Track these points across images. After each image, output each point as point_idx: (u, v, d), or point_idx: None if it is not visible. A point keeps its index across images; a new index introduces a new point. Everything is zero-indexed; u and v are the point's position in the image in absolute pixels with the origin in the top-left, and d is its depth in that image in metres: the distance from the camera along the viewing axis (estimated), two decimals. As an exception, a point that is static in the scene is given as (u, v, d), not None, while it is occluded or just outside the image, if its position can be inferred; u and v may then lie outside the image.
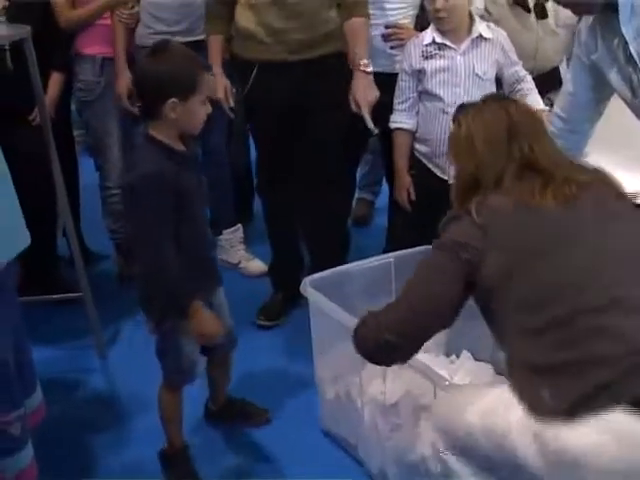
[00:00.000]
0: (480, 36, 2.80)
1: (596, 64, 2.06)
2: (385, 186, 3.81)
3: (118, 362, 3.02)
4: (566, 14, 3.02)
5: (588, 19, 2.08)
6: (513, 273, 1.62)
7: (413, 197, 2.92)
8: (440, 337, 2.52)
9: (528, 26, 3.03)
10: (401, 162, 2.92)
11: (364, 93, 2.82)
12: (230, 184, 3.64)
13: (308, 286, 2.36)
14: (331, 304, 2.27)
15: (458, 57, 2.79)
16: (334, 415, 2.46)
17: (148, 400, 2.68)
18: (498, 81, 2.89)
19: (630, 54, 1.87)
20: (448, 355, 2.63)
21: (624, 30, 1.86)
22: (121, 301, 3.42)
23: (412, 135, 2.91)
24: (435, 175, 2.88)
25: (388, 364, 1.92)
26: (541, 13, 3.04)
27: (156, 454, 2.38)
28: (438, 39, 2.80)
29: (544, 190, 1.66)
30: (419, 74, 2.84)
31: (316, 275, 2.43)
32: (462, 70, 2.79)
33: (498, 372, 2.42)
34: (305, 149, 3.04)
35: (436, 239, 1.78)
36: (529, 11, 3.02)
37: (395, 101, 2.90)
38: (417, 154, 2.93)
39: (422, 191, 2.91)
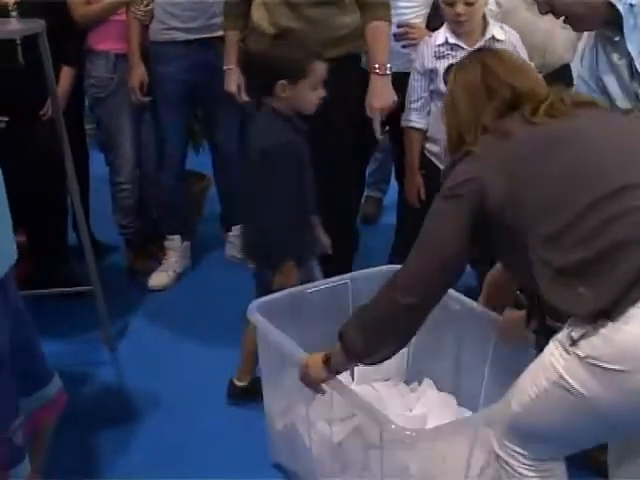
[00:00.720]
0: (493, 37, 2.79)
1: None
2: (393, 184, 3.82)
3: (127, 355, 3.06)
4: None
5: (589, 40, 2.06)
6: (520, 187, 1.58)
7: (423, 196, 2.92)
8: (401, 363, 2.54)
9: (538, 16, 2.99)
10: (412, 161, 2.92)
11: (378, 97, 2.81)
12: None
13: (255, 311, 2.26)
14: (278, 332, 2.17)
15: None
16: (284, 447, 2.38)
17: (157, 393, 2.73)
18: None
19: (635, 70, 1.84)
20: (409, 383, 2.55)
21: (629, 47, 1.83)
22: (130, 295, 3.47)
23: (423, 134, 2.91)
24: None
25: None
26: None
27: (167, 448, 2.45)
28: (451, 40, 2.80)
29: (535, 112, 1.63)
30: (431, 74, 2.83)
31: (265, 298, 2.34)
32: None
33: (460, 403, 2.37)
34: (314, 149, 3.04)
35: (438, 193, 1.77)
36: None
37: (407, 100, 2.90)
38: (428, 154, 2.93)
39: (433, 191, 2.88)
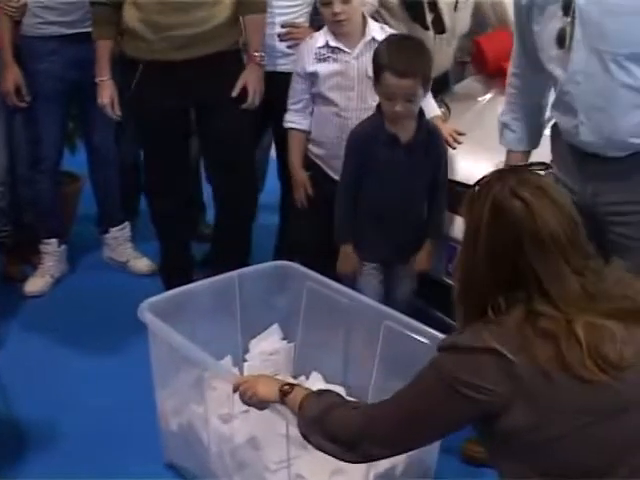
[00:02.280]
0: (373, 39, 2.74)
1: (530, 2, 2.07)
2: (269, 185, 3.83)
3: (3, 366, 2.89)
4: (462, 27, 3.13)
5: None
6: (547, 434, 1.36)
7: (310, 192, 2.90)
8: (288, 357, 2.58)
9: (426, 38, 2.97)
10: (296, 161, 2.92)
11: (256, 81, 2.91)
12: (117, 182, 3.58)
13: (146, 311, 2.24)
14: (171, 331, 2.16)
15: (352, 61, 2.75)
16: (178, 447, 2.38)
17: (39, 400, 2.68)
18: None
19: (572, 6, 1.90)
20: (296, 376, 2.58)
21: None
22: (4, 301, 3.32)
23: (306, 134, 2.91)
24: (331, 178, 2.84)
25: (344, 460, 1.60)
26: (439, 28, 3.03)
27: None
28: (332, 42, 2.76)
29: (584, 360, 1.35)
30: (312, 77, 2.81)
31: (155, 298, 2.32)
32: (355, 74, 2.74)
33: (350, 394, 2.38)
34: (212, 149, 3.08)
35: (440, 362, 1.43)
36: (427, 28, 3.02)
37: (289, 101, 2.89)
38: (312, 156, 2.91)
39: (318, 195, 2.89)
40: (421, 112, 2.55)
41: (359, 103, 2.75)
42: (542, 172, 1.52)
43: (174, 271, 3.26)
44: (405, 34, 2.81)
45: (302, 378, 2.57)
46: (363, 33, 2.78)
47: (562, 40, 1.97)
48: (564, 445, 1.36)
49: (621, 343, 1.36)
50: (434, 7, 3.03)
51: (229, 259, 2.95)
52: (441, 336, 2.12)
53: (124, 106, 3.04)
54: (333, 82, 2.77)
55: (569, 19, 1.94)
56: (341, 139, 2.74)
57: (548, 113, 2.26)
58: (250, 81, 2.91)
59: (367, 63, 2.70)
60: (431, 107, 2.80)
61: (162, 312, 2.26)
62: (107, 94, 2.97)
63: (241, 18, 2.95)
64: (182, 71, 2.86)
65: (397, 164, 2.51)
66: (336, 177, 2.82)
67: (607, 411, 1.37)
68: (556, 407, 1.36)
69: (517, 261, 1.40)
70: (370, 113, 2.70)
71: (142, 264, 3.63)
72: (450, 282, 2.61)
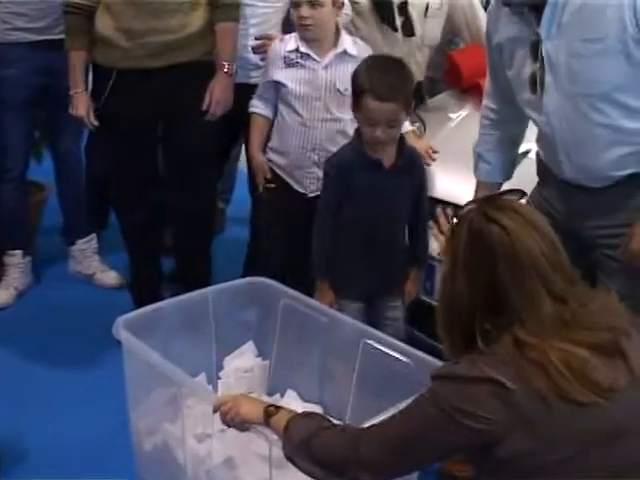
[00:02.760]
0: (345, 51, 2.73)
1: (500, 46, 2.08)
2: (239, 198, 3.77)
3: None
4: (432, 35, 3.13)
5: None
6: (546, 460, 1.35)
7: (268, 175, 2.83)
8: (262, 374, 2.54)
9: (394, 44, 3.04)
10: (255, 144, 2.84)
11: (222, 90, 2.86)
12: (84, 192, 3.52)
13: (121, 327, 2.19)
14: (147, 348, 2.12)
15: (320, 70, 2.72)
16: (153, 467, 2.32)
17: (5, 419, 2.57)
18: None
19: (540, 52, 1.89)
20: (271, 394, 2.54)
21: (542, 28, 1.86)
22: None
23: (268, 122, 2.84)
24: (293, 189, 2.82)
25: None
26: (408, 31, 3.05)
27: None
28: (302, 48, 2.72)
29: (576, 386, 1.34)
30: (277, 84, 2.76)
31: (130, 315, 2.28)
32: (323, 84, 2.72)
33: (327, 413, 2.36)
34: (173, 160, 3.02)
35: (438, 391, 1.40)
36: (396, 30, 3.03)
37: (257, 92, 2.84)
38: (274, 167, 2.86)
39: (282, 207, 2.85)
40: (402, 136, 2.49)
41: (324, 114, 2.72)
42: (518, 200, 1.52)
43: (144, 285, 3.21)
44: (386, 55, 2.74)
45: (277, 396, 2.53)
46: (335, 44, 2.73)
47: (534, 85, 1.98)
48: (564, 470, 1.35)
49: (597, 369, 1.36)
50: (404, 11, 3.04)
51: (190, 279, 2.94)
52: (422, 355, 2.13)
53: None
54: (299, 91, 2.73)
55: (538, 64, 1.94)
56: (305, 149, 2.73)
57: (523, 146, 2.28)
58: (215, 90, 2.87)
59: (336, 75, 2.70)
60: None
61: (136, 329, 2.21)
62: (83, 106, 2.90)
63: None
64: (156, 79, 2.82)
65: (380, 190, 2.43)
66: (298, 188, 2.79)
67: (605, 434, 1.36)
68: (555, 433, 1.34)
69: (496, 287, 1.40)
70: (335, 125, 2.68)
71: (109, 277, 3.57)
72: (428, 300, 2.66)
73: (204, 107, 2.86)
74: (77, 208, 3.54)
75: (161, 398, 2.25)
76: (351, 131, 2.72)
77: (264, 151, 2.87)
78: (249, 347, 2.58)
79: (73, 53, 2.90)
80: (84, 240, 3.57)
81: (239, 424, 1.78)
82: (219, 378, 2.53)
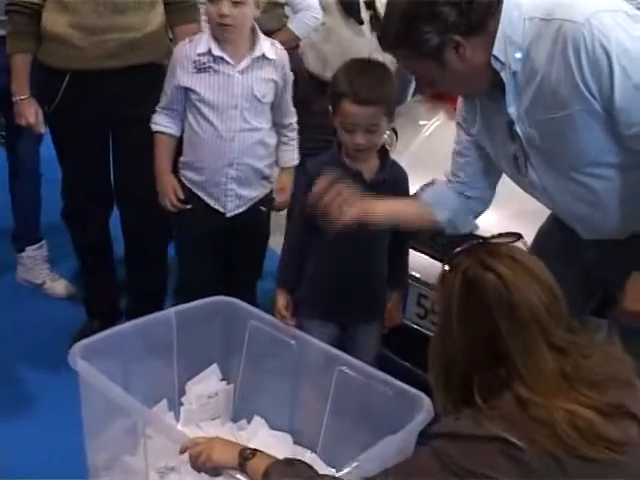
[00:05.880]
0: (264, 56, 2.51)
1: (477, 139, 1.97)
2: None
3: None
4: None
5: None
6: None
7: (181, 195, 2.61)
8: (227, 399, 2.42)
9: (361, 35, 3.00)
10: (164, 165, 2.61)
11: None
12: (38, 197, 3.34)
13: (78, 356, 2.04)
14: (104, 379, 1.98)
15: (236, 75, 2.49)
16: None
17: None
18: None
19: (515, 133, 1.80)
20: (236, 420, 2.42)
21: (510, 110, 1.77)
22: None
23: (175, 140, 2.62)
24: (210, 207, 2.61)
25: None
26: (376, 25, 2.98)
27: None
28: (215, 51, 2.47)
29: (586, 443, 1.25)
30: (187, 91, 2.52)
31: (86, 341, 2.12)
32: (239, 90, 2.50)
33: (297, 442, 2.29)
34: (125, 168, 2.84)
35: (444, 450, 1.29)
36: (362, 23, 2.98)
37: (159, 105, 2.61)
38: (189, 184, 2.62)
39: (199, 227, 2.63)
40: (384, 148, 2.35)
41: (241, 123, 2.52)
42: (514, 243, 1.43)
43: (99, 299, 3.06)
44: (367, 58, 2.57)
45: (243, 422, 2.41)
46: (252, 47, 2.51)
47: (518, 166, 1.87)
48: None
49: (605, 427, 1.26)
50: (372, 6, 2.99)
51: (142, 300, 2.82)
52: (400, 385, 2.03)
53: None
54: (213, 98, 2.51)
55: (517, 144, 1.83)
56: (223, 164, 2.54)
57: None
58: None
59: (254, 80, 2.51)
60: (288, 158, 2.70)
61: (94, 354, 2.06)
62: (32, 112, 2.70)
63: (171, 30, 2.77)
64: (112, 81, 2.64)
65: None
66: (215, 206, 2.60)
67: None
68: None
69: (493, 337, 1.30)
70: (254, 135, 2.53)
71: (60, 286, 3.39)
72: (407, 323, 2.55)
73: None
74: (29, 213, 3.36)
75: (120, 429, 2.11)
76: (271, 141, 2.62)
77: (175, 168, 2.65)
78: (213, 370, 2.44)
79: (18, 56, 2.68)
80: (34, 247, 3.39)
81: (211, 469, 1.65)
82: (182, 404, 2.39)
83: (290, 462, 1.54)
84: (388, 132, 2.83)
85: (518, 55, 1.70)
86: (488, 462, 1.24)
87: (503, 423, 1.25)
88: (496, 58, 1.70)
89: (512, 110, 1.77)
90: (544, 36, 1.67)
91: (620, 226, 1.85)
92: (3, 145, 3.42)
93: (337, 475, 1.66)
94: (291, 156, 2.72)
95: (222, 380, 2.45)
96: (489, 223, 2.08)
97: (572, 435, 1.24)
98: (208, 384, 2.42)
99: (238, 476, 1.60)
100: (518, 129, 1.79)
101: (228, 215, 2.61)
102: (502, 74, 1.73)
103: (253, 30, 2.52)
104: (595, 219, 1.85)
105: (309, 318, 2.37)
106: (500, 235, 1.46)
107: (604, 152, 1.75)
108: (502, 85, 1.75)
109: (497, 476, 1.23)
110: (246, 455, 1.58)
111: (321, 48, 3.08)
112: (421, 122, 3.06)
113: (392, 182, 2.30)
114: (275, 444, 2.25)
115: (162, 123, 2.60)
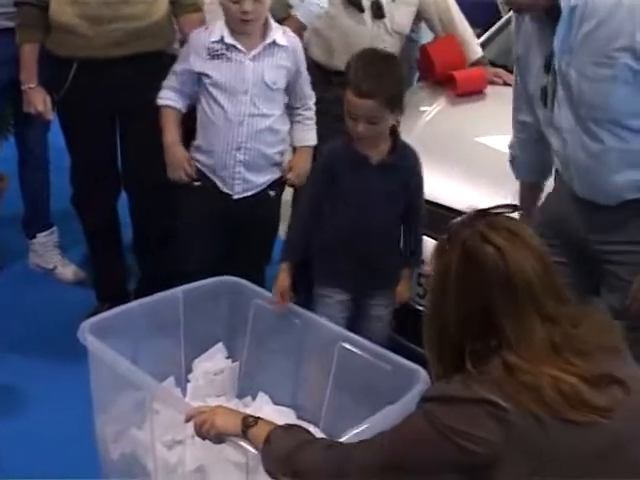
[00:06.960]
0: (275, 42, 2.56)
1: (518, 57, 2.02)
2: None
3: None
4: (401, 21, 3.09)
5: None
6: None
7: (191, 171, 2.65)
8: (232, 376, 2.47)
9: (362, 23, 3.01)
10: (173, 139, 2.64)
11: None
12: (48, 185, 3.40)
13: (87, 332, 2.10)
14: (113, 353, 2.04)
15: (247, 62, 2.55)
16: (120, 477, 2.23)
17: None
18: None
19: (552, 67, 1.83)
20: (241, 397, 2.47)
21: (556, 41, 1.79)
22: None
23: (180, 114, 2.67)
24: (220, 190, 2.66)
25: None
26: (377, 13, 3.02)
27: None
28: (228, 39, 2.53)
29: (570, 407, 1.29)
30: (200, 76, 2.59)
31: (96, 318, 2.20)
32: (250, 77, 2.55)
33: (300, 416, 2.33)
34: (132, 154, 2.91)
35: (433, 412, 1.33)
36: (362, 11, 3.00)
37: (165, 81, 2.65)
38: (200, 166, 2.66)
39: (208, 210, 2.67)
40: (396, 132, 2.39)
41: (251, 108, 2.57)
42: (511, 214, 1.45)
43: (108, 283, 3.12)
44: (378, 50, 2.59)
45: (248, 399, 2.46)
46: (264, 35, 2.57)
47: (545, 98, 1.91)
48: None
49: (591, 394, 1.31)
50: None
51: (151, 282, 2.84)
52: (400, 360, 2.09)
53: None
54: (224, 82, 2.56)
55: (550, 77, 1.87)
56: (231, 147, 2.59)
57: None
58: None
59: (265, 67, 2.56)
60: (308, 139, 2.73)
61: (102, 332, 2.12)
62: (41, 100, 2.77)
63: (175, 20, 2.82)
64: (119, 70, 2.71)
65: (366, 186, 2.35)
66: (224, 189, 2.65)
67: (604, 451, 1.31)
68: (552, 453, 1.29)
69: (487, 308, 1.34)
70: (263, 121, 2.58)
71: (70, 271, 3.45)
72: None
73: None
74: (40, 200, 3.42)
75: (128, 403, 2.17)
76: (283, 128, 2.67)
77: (187, 150, 2.70)
78: (219, 349, 2.50)
79: (27, 46, 2.76)
80: (45, 233, 3.45)
81: (214, 437, 1.71)
82: (188, 381, 2.45)
83: (289, 427, 1.60)
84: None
85: None
86: (475, 423, 1.28)
87: (491, 386, 1.29)
88: None
89: (557, 44, 1.79)
90: None
91: (613, 188, 1.89)
92: (12, 134, 3.48)
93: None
94: (303, 136, 2.74)
95: (227, 358, 2.51)
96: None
97: (556, 399, 1.28)
98: (214, 362, 2.48)
99: (241, 443, 1.66)
100: (556, 63, 1.82)
101: (235, 197, 2.66)
102: (562, 2, 1.75)
103: (265, 18, 2.58)
104: (594, 175, 1.89)
105: (322, 286, 2.45)
106: (497, 206, 1.49)
107: (632, 115, 1.78)
108: (557, 15, 1.77)
109: (483, 435, 1.27)
110: (249, 422, 1.63)
111: (326, 37, 3.12)
112: (422, 108, 3.12)
113: (400, 164, 2.37)
114: (279, 419, 2.28)
115: (169, 97, 2.66)
